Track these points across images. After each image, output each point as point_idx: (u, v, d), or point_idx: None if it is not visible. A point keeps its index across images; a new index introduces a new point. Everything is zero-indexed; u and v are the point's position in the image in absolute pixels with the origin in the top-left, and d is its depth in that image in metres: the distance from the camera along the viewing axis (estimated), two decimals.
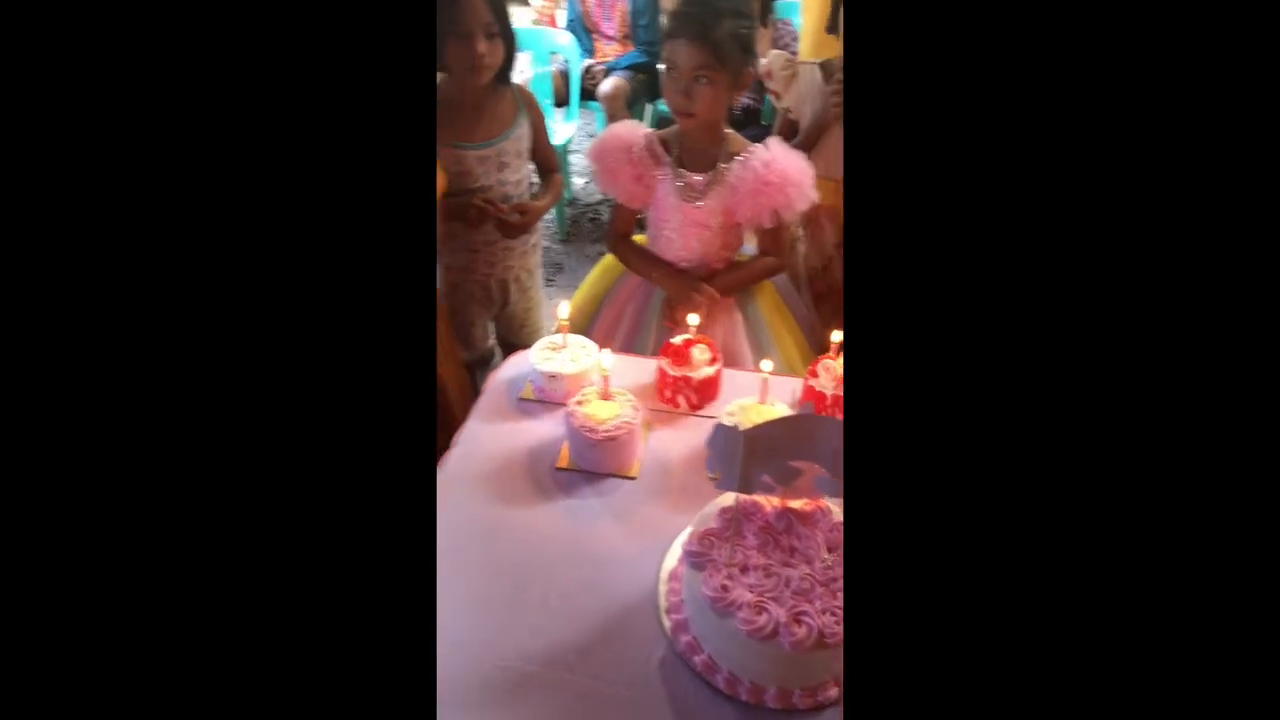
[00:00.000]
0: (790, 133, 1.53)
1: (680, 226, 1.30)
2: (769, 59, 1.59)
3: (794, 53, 1.64)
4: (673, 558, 0.87)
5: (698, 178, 1.28)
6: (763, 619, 0.69)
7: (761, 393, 1.00)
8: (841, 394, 1.03)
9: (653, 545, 0.89)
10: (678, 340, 1.09)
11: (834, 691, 0.74)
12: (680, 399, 1.09)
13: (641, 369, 1.16)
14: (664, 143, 1.31)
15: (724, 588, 0.72)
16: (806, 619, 0.69)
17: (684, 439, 1.05)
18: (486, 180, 1.40)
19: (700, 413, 1.09)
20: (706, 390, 1.09)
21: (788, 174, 1.23)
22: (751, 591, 0.72)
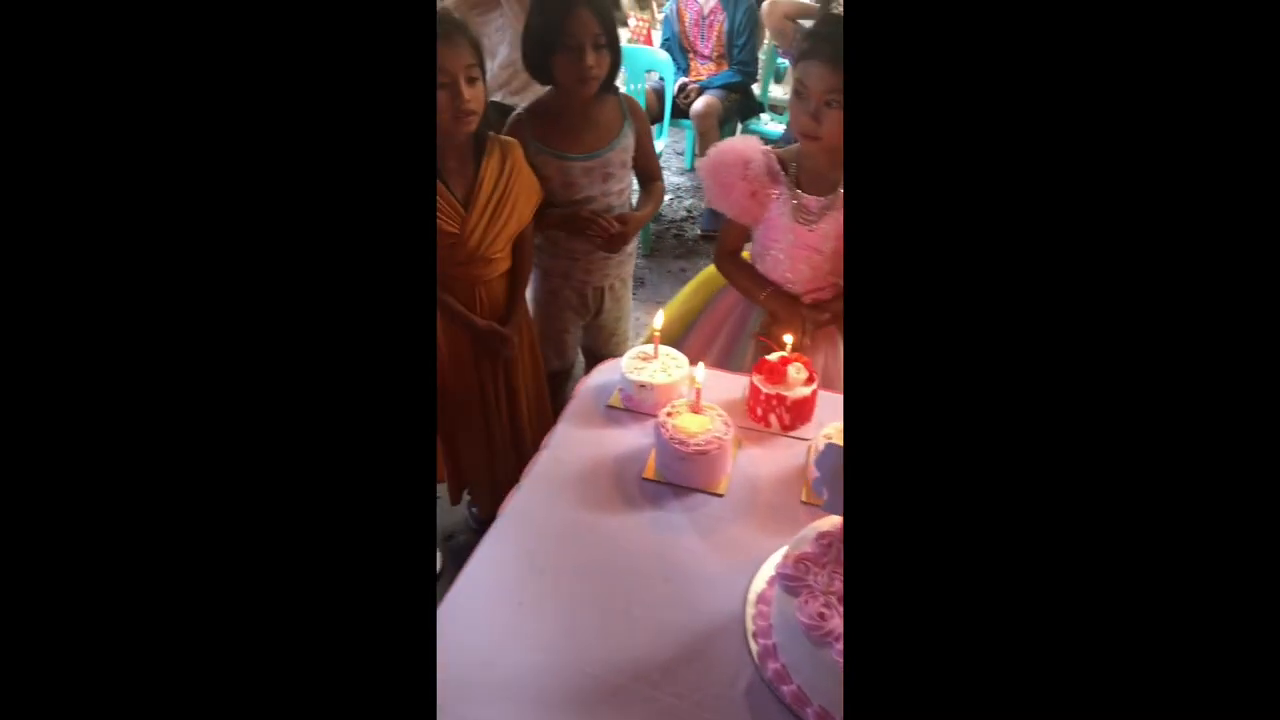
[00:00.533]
0: None
1: (790, 248, 1.28)
2: None
3: None
4: (761, 580, 0.84)
5: (814, 200, 1.25)
6: None
7: None
8: None
9: (739, 565, 0.86)
10: (773, 358, 1.06)
11: None
12: (772, 418, 1.06)
13: (733, 385, 1.14)
14: (781, 161, 1.28)
15: (821, 615, 0.69)
16: None
17: (774, 459, 1.02)
18: (591, 191, 1.42)
19: (792, 434, 1.06)
20: (801, 411, 1.05)
21: None
22: None
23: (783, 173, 1.27)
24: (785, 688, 0.72)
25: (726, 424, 0.97)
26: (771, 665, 0.74)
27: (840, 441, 0.93)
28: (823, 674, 0.68)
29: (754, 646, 0.77)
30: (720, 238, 1.40)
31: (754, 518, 0.93)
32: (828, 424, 1.00)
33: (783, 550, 0.79)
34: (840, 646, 0.66)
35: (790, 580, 0.73)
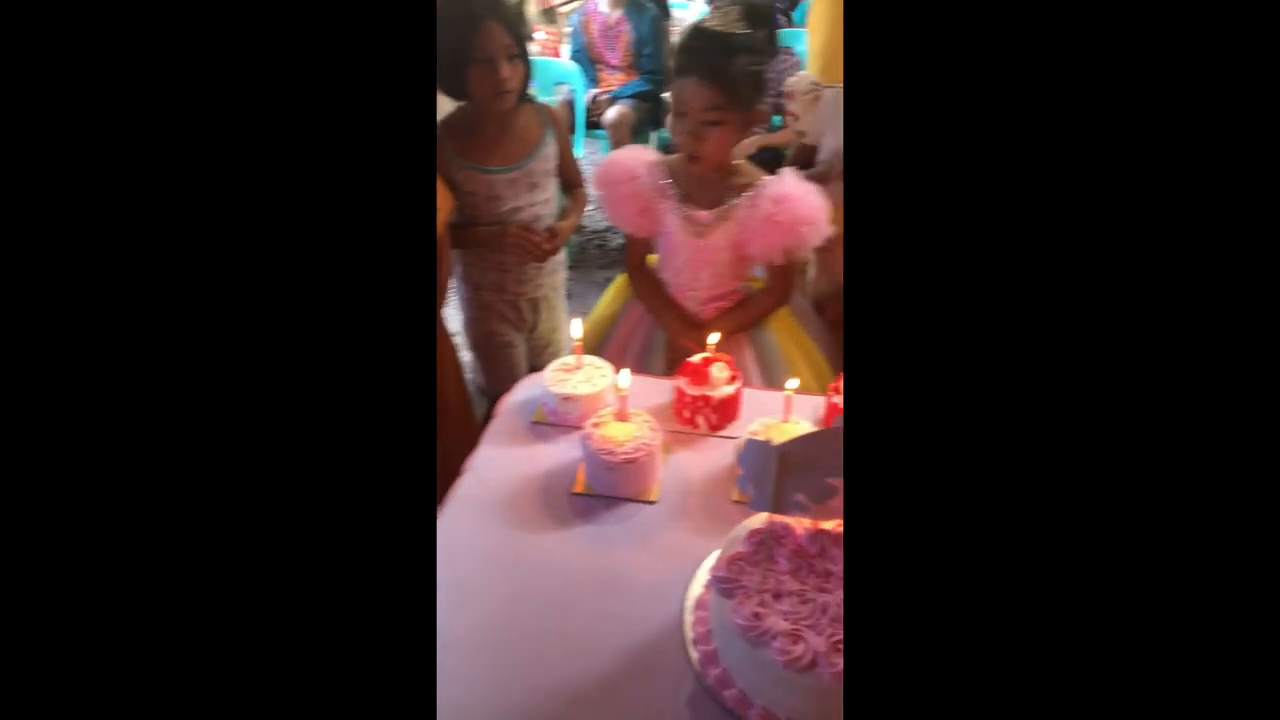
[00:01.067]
0: (805, 160, 1.51)
1: (688, 260, 1.27)
2: (794, 80, 1.58)
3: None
4: (698, 585, 0.82)
5: (704, 214, 1.24)
6: (799, 648, 0.65)
7: (785, 411, 0.97)
8: None
9: (675, 572, 0.84)
10: (696, 359, 1.05)
11: None
12: (700, 419, 1.05)
13: (658, 389, 1.13)
14: (671, 173, 1.26)
15: (756, 615, 0.68)
16: None
17: (704, 461, 1.01)
18: (517, 202, 1.39)
19: (721, 433, 1.05)
20: (727, 410, 1.05)
21: (800, 212, 1.17)
22: (786, 619, 0.67)
23: (670, 186, 1.24)
24: (727, 692, 0.71)
25: (654, 429, 0.95)
26: (712, 671, 0.72)
27: (765, 437, 0.93)
28: (763, 675, 0.67)
29: (694, 654, 0.75)
30: (626, 251, 1.39)
31: (688, 522, 0.92)
32: (754, 421, 0.99)
33: (717, 553, 0.78)
34: (778, 645, 0.65)
35: (724, 582, 0.71)
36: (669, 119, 1.20)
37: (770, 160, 1.29)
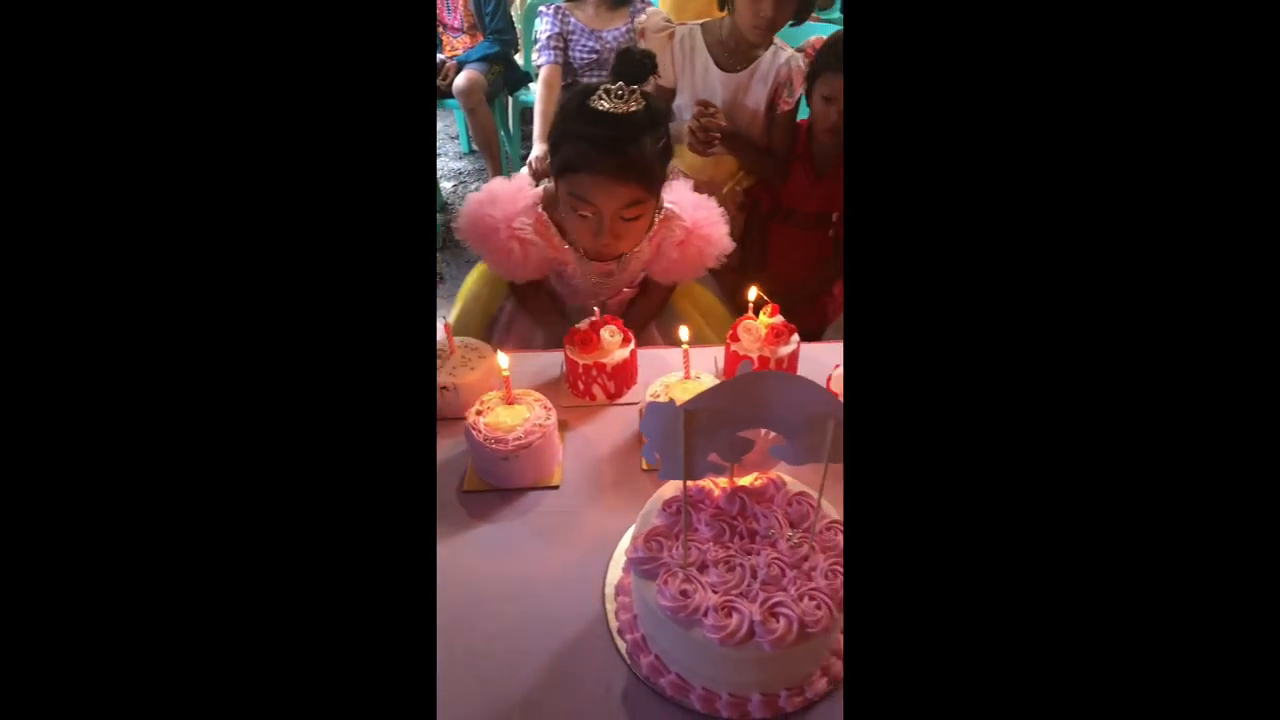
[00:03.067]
0: (664, 107, 1.43)
1: (583, 288, 1.16)
2: (644, 18, 1.49)
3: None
4: (617, 569, 0.75)
5: (604, 266, 1.11)
6: (733, 621, 0.59)
7: (685, 367, 0.90)
8: (769, 355, 0.95)
9: (590, 559, 0.77)
10: (583, 324, 0.97)
11: (823, 684, 0.65)
12: (595, 389, 0.97)
13: (546, 363, 1.04)
14: (559, 228, 1.08)
15: (683, 593, 0.61)
16: (783, 610, 0.59)
17: (606, 433, 0.93)
18: None
19: (620, 401, 0.98)
20: (623, 375, 0.98)
21: (709, 239, 1.11)
22: (715, 591, 0.61)
23: (563, 240, 1.09)
24: (663, 679, 0.65)
25: (546, 408, 0.86)
26: (644, 660, 0.66)
27: (668, 397, 0.87)
28: (699, 655, 0.61)
29: (622, 644, 0.68)
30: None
31: (597, 501, 0.84)
32: (654, 382, 0.92)
33: (633, 530, 0.71)
34: (710, 621, 0.59)
35: (643, 563, 0.64)
36: (567, 217, 1.04)
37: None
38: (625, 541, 0.76)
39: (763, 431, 0.67)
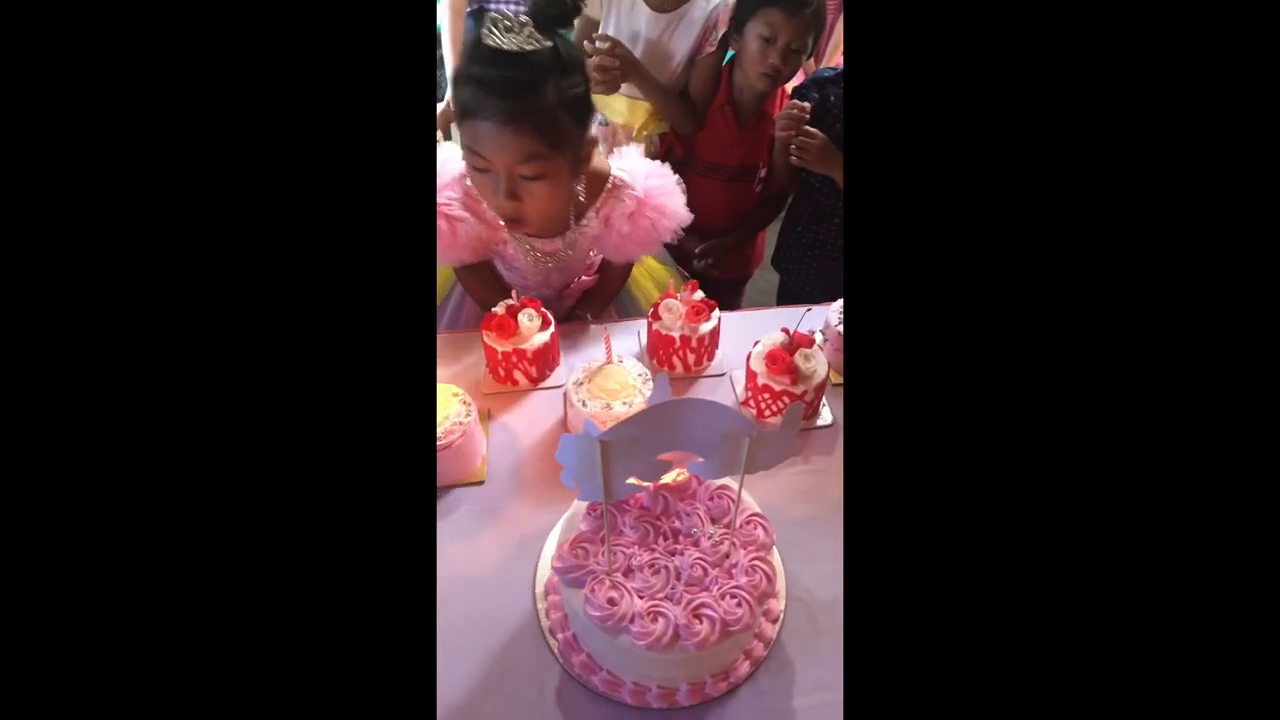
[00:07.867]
0: (593, 30, 1.35)
1: (533, 274, 1.08)
2: None
3: None
4: (546, 566, 0.76)
5: (548, 243, 1.02)
6: (659, 626, 0.61)
7: (607, 351, 0.89)
8: (689, 335, 0.94)
9: (520, 556, 0.77)
10: (499, 308, 0.93)
11: (745, 667, 0.68)
12: (517, 374, 0.95)
13: (463, 349, 1.00)
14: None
15: (610, 601, 0.62)
16: (706, 612, 0.61)
17: (530, 419, 0.92)
18: None
19: (544, 385, 0.96)
20: (544, 359, 0.95)
21: (663, 210, 1.00)
22: (641, 596, 0.63)
23: (502, 223, 0.98)
24: (595, 677, 0.67)
25: (465, 402, 0.84)
26: (576, 659, 0.68)
27: (591, 386, 0.86)
28: (626, 658, 0.63)
29: (553, 643, 0.70)
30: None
31: (524, 494, 0.84)
32: (576, 366, 0.91)
33: (560, 527, 0.71)
34: (636, 629, 0.61)
35: (570, 571, 0.65)
36: (472, 176, 0.91)
37: None
38: (553, 539, 0.77)
39: None
